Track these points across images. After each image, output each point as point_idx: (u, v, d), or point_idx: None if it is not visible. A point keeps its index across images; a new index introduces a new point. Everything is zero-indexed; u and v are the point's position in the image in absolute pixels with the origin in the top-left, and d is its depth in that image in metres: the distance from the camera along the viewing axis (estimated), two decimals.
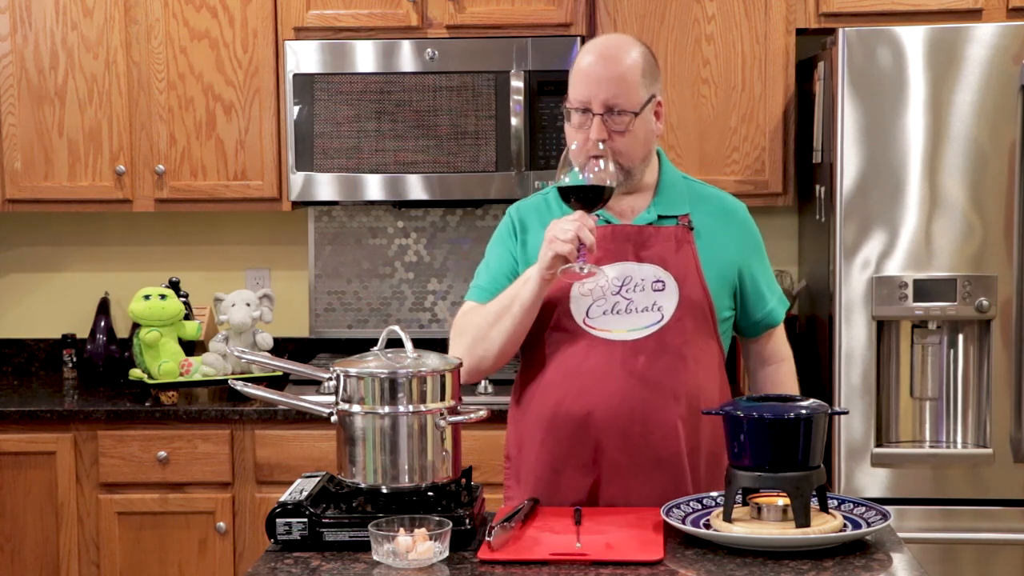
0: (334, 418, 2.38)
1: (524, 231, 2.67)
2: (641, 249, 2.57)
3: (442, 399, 2.36)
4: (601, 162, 2.42)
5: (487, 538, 2.24)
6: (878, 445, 3.53)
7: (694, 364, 2.57)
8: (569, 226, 2.39)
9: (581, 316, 2.55)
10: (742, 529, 2.25)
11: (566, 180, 2.42)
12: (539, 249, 2.51)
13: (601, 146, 2.49)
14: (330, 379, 2.39)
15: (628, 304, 2.54)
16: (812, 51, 3.88)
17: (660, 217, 2.60)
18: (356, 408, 2.35)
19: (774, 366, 2.78)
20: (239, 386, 2.43)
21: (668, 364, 2.54)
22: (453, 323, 2.69)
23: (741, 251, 2.66)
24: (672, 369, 2.54)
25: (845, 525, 2.29)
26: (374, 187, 3.90)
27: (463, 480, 2.46)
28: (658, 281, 2.55)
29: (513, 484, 2.66)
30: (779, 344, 2.79)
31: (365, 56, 3.89)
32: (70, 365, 4.31)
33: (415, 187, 3.89)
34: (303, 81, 3.89)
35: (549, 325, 2.59)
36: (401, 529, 2.21)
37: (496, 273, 2.67)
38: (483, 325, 2.58)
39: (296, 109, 3.90)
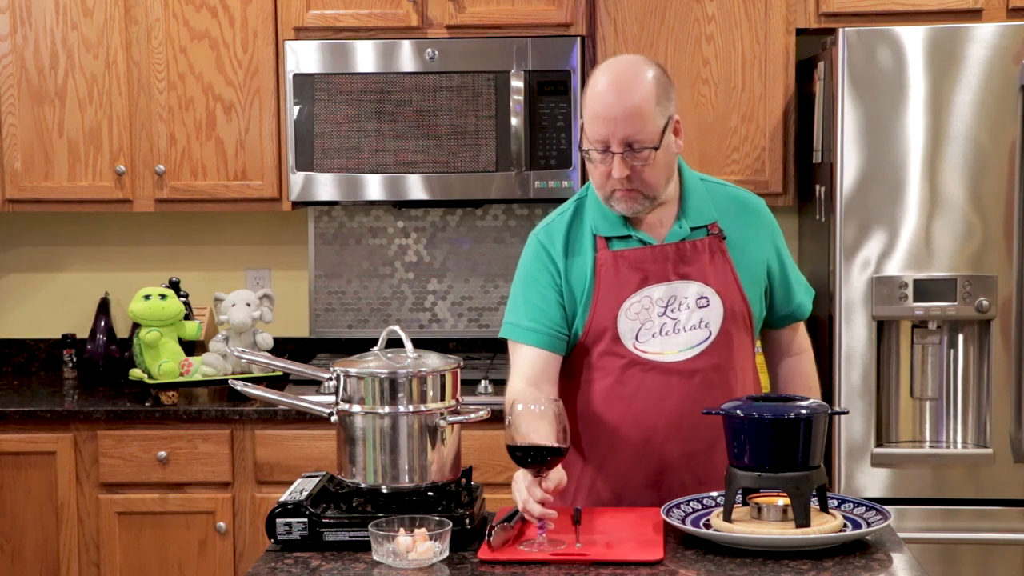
0: (334, 418, 2.38)
1: (565, 255, 2.58)
2: (681, 266, 2.55)
3: (442, 399, 2.37)
4: (543, 426, 2.26)
5: (487, 538, 2.24)
6: (878, 445, 3.53)
7: (742, 373, 2.59)
8: (519, 496, 2.27)
9: (631, 341, 2.54)
10: (742, 529, 2.25)
11: (515, 439, 2.27)
12: (581, 273, 2.53)
13: (618, 172, 2.46)
14: (330, 379, 2.39)
15: (675, 324, 2.53)
16: (812, 51, 3.88)
17: (692, 230, 2.58)
18: (356, 408, 2.35)
19: (796, 357, 2.76)
20: (239, 386, 2.43)
21: (722, 380, 2.55)
22: (508, 388, 2.57)
23: (767, 248, 2.65)
24: (726, 384, 2.55)
25: (845, 525, 2.29)
26: (374, 187, 3.90)
27: (463, 480, 2.46)
28: (702, 298, 2.54)
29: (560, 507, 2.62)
30: (802, 336, 2.78)
31: (365, 56, 3.89)
32: (70, 365, 4.31)
33: (415, 187, 3.89)
34: (303, 81, 3.89)
35: (596, 350, 2.56)
36: (401, 529, 2.21)
37: (543, 306, 2.56)
38: None
39: (296, 109, 3.90)
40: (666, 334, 2.54)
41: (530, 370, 2.55)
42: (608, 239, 2.56)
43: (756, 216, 2.67)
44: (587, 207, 2.61)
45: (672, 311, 2.54)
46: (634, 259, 2.55)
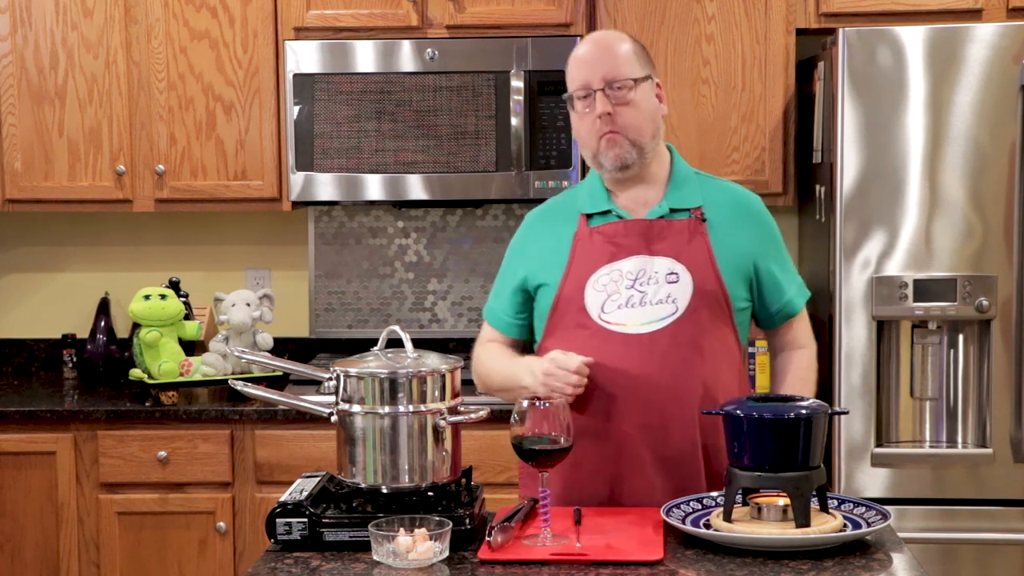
0: (334, 418, 2.38)
1: (528, 235, 2.74)
2: (654, 242, 2.58)
3: (442, 399, 2.36)
4: (551, 421, 2.32)
5: (487, 538, 2.24)
6: (878, 445, 3.53)
7: (711, 355, 2.57)
8: (568, 382, 2.46)
9: (596, 311, 2.56)
10: (742, 529, 2.25)
11: (521, 436, 2.31)
12: (556, 247, 2.62)
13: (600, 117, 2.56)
14: (330, 379, 2.39)
15: (642, 297, 2.55)
16: (812, 51, 3.88)
17: (672, 211, 2.61)
18: (356, 408, 2.35)
19: (792, 351, 2.74)
20: (239, 386, 2.43)
21: (684, 356, 2.54)
22: (475, 346, 2.79)
23: (755, 242, 2.66)
24: (688, 361, 2.54)
25: (845, 525, 2.29)
26: (374, 187, 3.91)
27: (463, 480, 2.46)
28: (672, 273, 2.56)
29: (530, 482, 2.65)
30: (799, 333, 2.74)
31: (365, 56, 3.90)
32: (70, 365, 4.31)
33: (415, 187, 3.89)
34: (303, 81, 3.89)
35: (564, 322, 2.60)
36: (401, 529, 2.21)
37: (503, 295, 2.74)
38: (490, 385, 2.74)
39: (296, 109, 3.90)
40: (632, 306, 2.55)
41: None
42: (590, 216, 2.63)
43: (747, 210, 2.69)
44: (580, 191, 2.71)
45: (641, 284, 2.56)
46: (608, 233, 2.60)
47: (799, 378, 2.71)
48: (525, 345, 2.75)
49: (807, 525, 2.24)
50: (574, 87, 2.59)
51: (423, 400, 2.34)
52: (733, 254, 2.61)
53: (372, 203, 4.18)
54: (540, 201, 3.92)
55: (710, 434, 2.57)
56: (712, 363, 2.57)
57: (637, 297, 2.55)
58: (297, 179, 3.92)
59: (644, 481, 2.55)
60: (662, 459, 2.55)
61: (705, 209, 2.62)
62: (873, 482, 3.52)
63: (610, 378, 2.53)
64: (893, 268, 3.49)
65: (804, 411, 2.27)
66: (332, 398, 2.39)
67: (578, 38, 3.85)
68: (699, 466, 2.57)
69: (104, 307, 4.32)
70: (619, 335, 2.55)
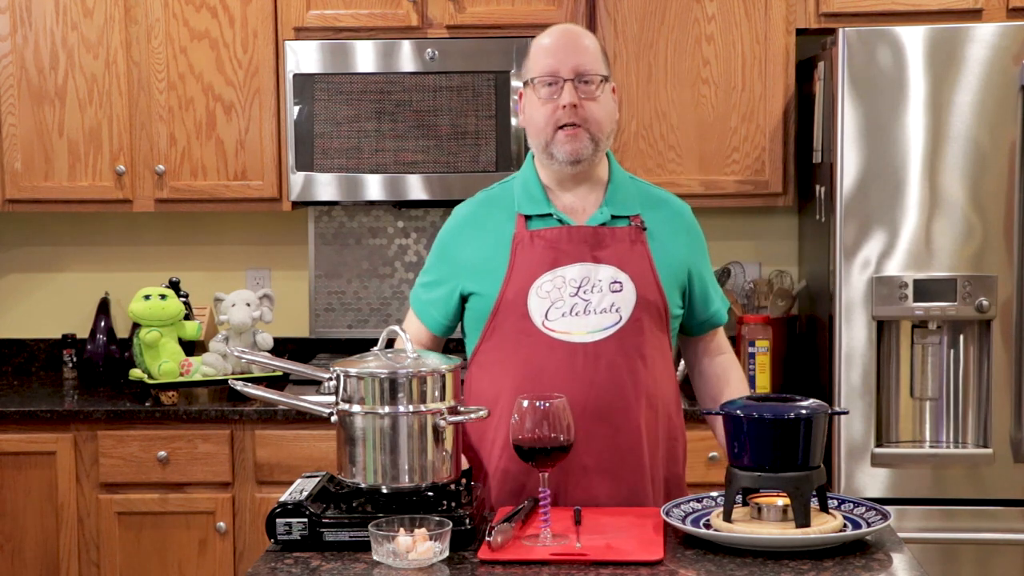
0: (334, 418, 2.38)
1: (463, 235, 2.70)
2: (597, 249, 2.57)
3: (442, 399, 2.36)
4: (551, 420, 2.30)
5: (487, 538, 2.24)
6: (878, 445, 3.53)
7: (651, 363, 2.58)
8: None
9: (540, 318, 2.54)
10: (742, 529, 2.25)
11: (521, 437, 2.30)
12: (493, 250, 2.58)
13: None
14: (330, 379, 2.39)
15: (586, 305, 2.54)
16: (812, 51, 3.88)
17: (613, 217, 2.60)
18: (356, 408, 2.35)
19: (720, 356, 2.78)
20: (239, 386, 2.43)
21: (628, 365, 2.54)
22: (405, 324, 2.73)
23: (690, 252, 2.67)
24: (632, 370, 2.54)
25: (845, 525, 2.29)
26: (374, 187, 3.91)
27: (463, 480, 2.46)
28: (616, 282, 2.55)
29: (477, 483, 2.65)
30: (721, 340, 2.79)
31: (365, 56, 3.90)
32: (70, 365, 4.31)
33: (415, 187, 3.90)
34: (303, 81, 3.89)
35: (505, 327, 2.58)
36: (401, 529, 2.21)
37: (437, 292, 2.68)
38: None
39: (296, 109, 3.90)
40: (576, 314, 2.54)
41: (412, 338, 2.63)
42: (528, 218, 2.61)
43: (682, 221, 2.69)
44: (514, 186, 2.69)
45: (584, 292, 2.54)
46: (550, 238, 2.57)
47: (742, 381, 2.76)
48: (440, 343, 2.74)
49: (807, 525, 2.23)
50: (539, 72, 2.57)
51: (423, 400, 2.34)
52: (671, 263, 2.61)
53: (372, 203, 4.18)
54: None
55: (655, 443, 2.58)
56: (653, 371, 2.58)
57: (581, 305, 2.54)
58: (297, 179, 3.92)
59: (587, 490, 2.53)
60: (606, 468, 2.54)
61: (643, 217, 2.62)
62: (873, 482, 3.52)
63: (554, 386, 2.49)
64: (893, 268, 3.49)
65: (804, 411, 2.27)
66: (332, 398, 2.39)
67: None
68: (643, 470, 2.56)
69: (104, 307, 4.32)
70: (563, 343, 2.53)
